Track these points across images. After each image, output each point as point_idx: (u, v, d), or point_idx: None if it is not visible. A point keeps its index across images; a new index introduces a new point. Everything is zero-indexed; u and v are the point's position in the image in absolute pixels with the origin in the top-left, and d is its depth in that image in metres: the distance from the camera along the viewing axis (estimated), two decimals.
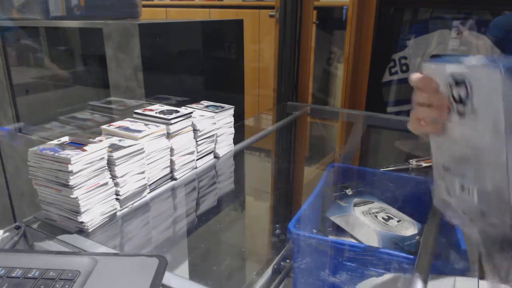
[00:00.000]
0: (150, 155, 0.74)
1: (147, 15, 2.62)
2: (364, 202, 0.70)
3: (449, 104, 0.48)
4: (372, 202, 0.71)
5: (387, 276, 0.53)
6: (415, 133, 0.53)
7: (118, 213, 0.68)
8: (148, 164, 0.73)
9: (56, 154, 0.59)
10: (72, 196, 0.59)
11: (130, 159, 0.68)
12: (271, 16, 2.23)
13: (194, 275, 0.66)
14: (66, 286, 0.43)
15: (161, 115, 0.79)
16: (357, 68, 1.54)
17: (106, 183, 0.64)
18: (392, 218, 0.66)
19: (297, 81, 1.51)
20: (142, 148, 0.71)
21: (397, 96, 1.59)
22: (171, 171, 0.81)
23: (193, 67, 1.33)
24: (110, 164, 0.65)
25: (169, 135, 0.78)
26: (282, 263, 0.63)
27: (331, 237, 0.63)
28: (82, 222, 0.61)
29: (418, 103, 0.51)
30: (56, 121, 1.49)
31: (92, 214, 0.63)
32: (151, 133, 0.74)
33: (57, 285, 0.43)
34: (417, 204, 0.70)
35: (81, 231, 0.62)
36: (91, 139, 0.66)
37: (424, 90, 0.50)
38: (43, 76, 1.56)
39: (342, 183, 0.76)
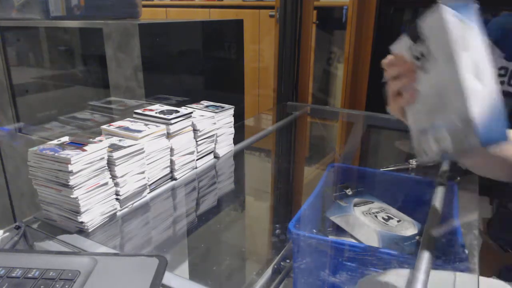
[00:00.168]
0: (150, 155, 0.74)
1: (147, 15, 2.62)
2: (364, 202, 0.70)
3: (414, 67, 0.54)
4: (372, 202, 0.71)
5: (389, 272, 0.53)
6: (396, 116, 0.59)
7: (118, 213, 0.68)
8: (148, 164, 0.73)
9: (56, 154, 0.59)
10: (72, 196, 0.59)
11: (130, 159, 0.68)
12: (271, 16, 2.23)
13: (194, 275, 0.66)
14: (66, 286, 0.43)
15: (161, 115, 0.79)
16: (357, 68, 1.54)
17: (106, 183, 0.64)
18: (392, 218, 0.66)
19: (297, 81, 1.51)
20: (142, 148, 0.71)
21: None
22: (171, 171, 0.81)
23: (193, 67, 1.33)
24: (110, 164, 0.65)
25: (169, 135, 0.78)
26: (282, 263, 0.63)
27: (331, 237, 0.63)
28: (82, 222, 0.61)
29: (390, 78, 0.57)
30: (56, 121, 1.49)
31: (92, 214, 0.63)
32: (151, 133, 0.74)
33: (57, 285, 0.43)
34: (417, 204, 0.71)
35: (81, 231, 0.62)
36: (91, 139, 0.66)
37: (392, 65, 0.56)
38: (43, 76, 1.56)
39: (342, 183, 0.76)
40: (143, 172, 0.72)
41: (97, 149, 0.62)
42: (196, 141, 0.86)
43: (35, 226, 0.64)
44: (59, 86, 1.54)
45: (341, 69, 1.77)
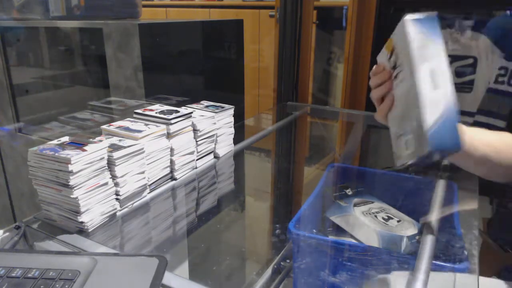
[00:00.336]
0: (150, 155, 0.74)
1: (147, 15, 2.62)
2: (364, 202, 0.70)
3: (391, 75, 0.58)
4: (372, 202, 0.71)
5: (394, 273, 0.53)
6: (381, 122, 0.64)
7: (118, 213, 0.68)
8: (148, 164, 0.73)
9: (56, 154, 0.59)
10: (72, 196, 0.59)
11: (130, 159, 0.68)
12: (271, 16, 2.23)
13: (194, 275, 0.66)
14: (66, 286, 0.43)
15: (161, 115, 0.79)
16: (357, 68, 1.54)
17: (106, 183, 0.64)
18: (392, 218, 0.66)
19: (297, 81, 1.51)
20: (142, 148, 0.71)
21: None
22: (171, 171, 0.81)
23: (193, 67, 1.33)
24: (110, 164, 0.65)
25: (169, 135, 0.79)
26: (282, 263, 0.63)
27: (331, 237, 0.63)
28: (82, 222, 0.61)
29: (373, 86, 0.61)
30: (56, 121, 1.49)
31: (92, 214, 0.63)
32: (151, 133, 0.74)
33: (57, 285, 0.43)
34: (417, 204, 0.71)
35: (81, 231, 0.62)
36: (91, 139, 0.66)
37: (375, 74, 0.61)
38: (43, 76, 1.56)
39: (342, 183, 0.76)
40: (143, 172, 0.72)
41: (97, 149, 0.62)
42: (196, 141, 0.86)
43: (35, 226, 0.64)
44: (59, 86, 1.54)
45: (341, 69, 1.77)
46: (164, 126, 0.77)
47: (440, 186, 0.72)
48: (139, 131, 0.73)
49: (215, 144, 0.92)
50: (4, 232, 0.61)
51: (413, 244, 0.60)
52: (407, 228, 0.63)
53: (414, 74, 0.50)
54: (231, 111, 0.95)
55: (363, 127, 1.38)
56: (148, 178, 0.74)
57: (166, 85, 1.22)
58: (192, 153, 0.85)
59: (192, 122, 0.84)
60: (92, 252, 0.57)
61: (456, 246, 0.57)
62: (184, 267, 0.67)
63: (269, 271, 0.61)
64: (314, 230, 0.67)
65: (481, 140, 0.61)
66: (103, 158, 0.63)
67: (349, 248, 0.56)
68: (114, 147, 0.66)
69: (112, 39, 1.15)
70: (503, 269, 0.97)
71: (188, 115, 0.83)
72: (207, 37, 1.36)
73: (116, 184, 0.67)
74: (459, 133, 0.49)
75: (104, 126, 0.75)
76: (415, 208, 0.70)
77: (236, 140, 1.00)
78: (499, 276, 0.90)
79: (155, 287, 0.44)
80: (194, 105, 0.94)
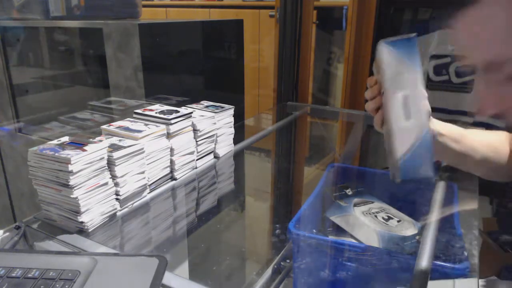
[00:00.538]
0: (150, 155, 0.74)
1: (147, 15, 2.62)
2: (364, 202, 0.70)
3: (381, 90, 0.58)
4: (372, 202, 0.71)
5: None
6: (378, 130, 0.63)
7: (118, 213, 0.68)
8: (148, 164, 0.73)
9: (56, 154, 0.59)
10: (72, 196, 0.59)
11: (130, 159, 0.68)
12: (271, 16, 2.23)
13: (194, 275, 0.66)
14: (66, 286, 0.43)
15: (161, 115, 0.79)
16: (357, 68, 1.54)
17: (106, 183, 0.64)
18: (392, 218, 0.66)
19: (297, 81, 1.51)
20: (142, 148, 0.71)
21: None
22: (171, 171, 0.81)
23: (193, 67, 1.33)
24: (110, 164, 0.65)
25: (169, 135, 0.78)
26: (282, 263, 0.63)
27: (331, 237, 0.63)
28: (82, 222, 0.61)
29: (367, 98, 0.62)
30: (56, 121, 1.49)
31: (92, 214, 0.63)
32: (151, 133, 0.74)
33: (57, 285, 0.43)
34: (417, 204, 0.71)
35: (81, 231, 0.62)
36: (91, 139, 0.66)
37: (369, 85, 0.61)
38: (43, 76, 1.56)
39: (342, 183, 0.76)
40: (143, 172, 0.72)
41: (97, 149, 0.62)
42: (196, 141, 0.86)
43: (35, 226, 0.64)
44: (59, 86, 1.54)
45: (341, 69, 1.77)
46: (164, 126, 0.77)
47: (440, 186, 0.72)
48: (139, 131, 0.73)
49: (215, 144, 0.92)
50: (4, 232, 0.61)
51: (413, 244, 0.60)
52: (407, 228, 0.63)
53: (387, 102, 0.51)
54: (231, 111, 0.95)
55: (363, 127, 1.38)
56: (148, 178, 0.74)
57: (166, 85, 1.22)
58: (192, 153, 0.85)
59: (192, 122, 0.84)
60: (92, 252, 0.57)
61: (456, 246, 0.57)
62: (184, 267, 0.67)
63: (269, 271, 0.61)
64: (314, 230, 0.67)
65: (481, 141, 0.61)
66: (103, 158, 0.63)
67: (349, 248, 0.56)
68: (114, 147, 0.66)
69: (112, 39, 1.15)
70: (503, 269, 0.97)
71: (188, 115, 0.83)
72: (207, 37, 1.36)
73: (116, 184, 0.67)
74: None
75: (104, 126, 0.75)
76: (415, 208, 0.70)
77: (236, 140, 1.00)
78: (499, 276, 0.90)
79: (155, 287, 0.44)
80: (194, 105, 0.94)
